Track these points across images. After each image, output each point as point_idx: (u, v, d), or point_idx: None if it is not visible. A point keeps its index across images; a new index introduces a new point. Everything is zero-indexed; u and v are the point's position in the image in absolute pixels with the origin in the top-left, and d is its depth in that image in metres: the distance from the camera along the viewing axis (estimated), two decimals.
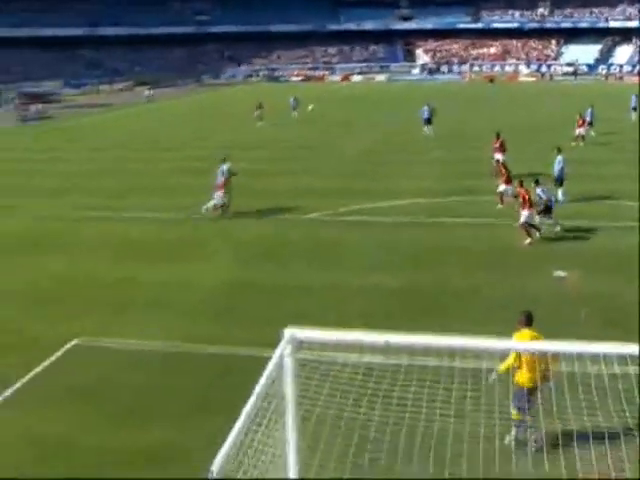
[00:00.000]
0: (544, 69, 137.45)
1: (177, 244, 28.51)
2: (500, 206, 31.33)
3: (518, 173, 31.78)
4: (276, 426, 9.03)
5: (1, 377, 17.09)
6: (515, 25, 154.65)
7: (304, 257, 26.41)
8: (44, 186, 41.12)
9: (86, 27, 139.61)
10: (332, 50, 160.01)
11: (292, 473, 9.34)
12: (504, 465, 11.55)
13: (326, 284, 23.21)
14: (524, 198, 27.00)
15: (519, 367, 13.05)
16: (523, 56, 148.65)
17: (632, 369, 10.57)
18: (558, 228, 28.12)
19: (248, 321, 20.32)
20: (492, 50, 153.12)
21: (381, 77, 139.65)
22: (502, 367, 13.21)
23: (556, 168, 32.93)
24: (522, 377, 13.04)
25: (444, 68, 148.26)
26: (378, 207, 33.22)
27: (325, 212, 32.73)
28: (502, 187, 31.56)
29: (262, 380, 8.66)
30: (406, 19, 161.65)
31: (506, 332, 12.93)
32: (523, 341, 12.99)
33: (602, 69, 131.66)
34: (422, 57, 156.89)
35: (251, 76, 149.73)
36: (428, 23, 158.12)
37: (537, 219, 27.64)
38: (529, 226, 27.04)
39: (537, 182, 28.28)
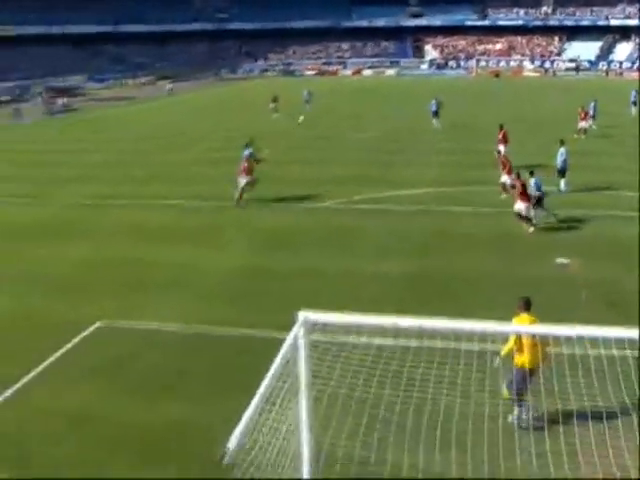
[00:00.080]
0: (547, 65, 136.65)
1: (195, 230, 28.54)
2: (504, 196, 31.22)
3: (521, 164, 31.69)
4: (290, 405, 9.05)
5: (30, 357, 17.19)
6: (520, 22, 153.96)
7: (318, 244, 26.38)
8: (70, 176, 41.26)
9: (110, 24, 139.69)
10: (345, 46, 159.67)
11: (305, 450, 9.36)
12: (507, 442, 11.55)
13: (339, 270, 23.17)
14: (520, 188, 27.00)
15: (520, 350, 13.03)
16: (527, 52, 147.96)
17: (630, 352, 10.56)
18: (552, 218, 27.96)
19: (263, 305, 20.33)
20: (498, 46, 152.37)
21: (391, 72, 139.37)
22: (504, 351, 13.21)
23: (559, 160, 32.91)
24: (523, 359, 13.02)
25: (452, 63, 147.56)
26: (389, 196, 33.15)
27: (339, 200, 32.68)
28: (504, 178, 31.44)
29: (277, 361, 8.67)
30: (416, 16, 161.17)
31: (510, 316, 12.95)
32: (523, 325, 12.99)
33: (603, 65, 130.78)
34: (431, 53, 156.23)
35: (267, 70, 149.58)
36: (437, 20, 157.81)
37: (532, 212, 27.46)
38: (520, 218, 26.99)
39: (532, 173, 28.18)
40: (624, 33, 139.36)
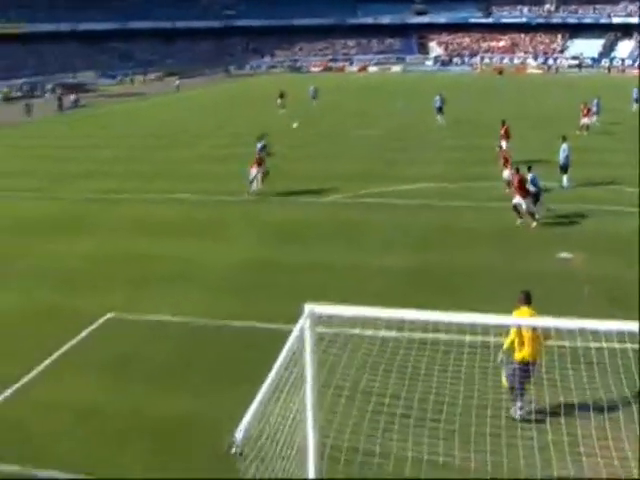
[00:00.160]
0: (550, 62, 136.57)
1: (203, 225, 28.56)
2: (508, 191, 31.19)
3: (524, 160, 31.66)
4: (295, 396, 9.06)
5: (41, 349, 17.22)
6: (523, 20, 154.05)
7: (325, 237, 26.38)
8: (79, 171, 41.32)
9: (119, 21, 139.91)
10: (351, 43, 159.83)
11: (311, 441, 9.37)
12: (510, 433, 11.56)
13: (346, 263, 23.18)
14: (517, 183, 27.01)
15: (521, 343, 13.02)
16: (531, 49, 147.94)
17: (630, 345, 10.57)
18: (544, 212, 27.86)
19: (270, 298, 20.32)
20: (501, 43, 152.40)
21: (397, 68, 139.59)
22: (505, 345, 13.21)
23: (561, 155, 32.87)
24: (524, 352, 13.01)
25: (456, 60, 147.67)
26: (395, 190, 33.14)
27: (346, 194, 32.73)
28: (506, 173, 31.41)
29: (283, 352, 8.68)
30: (420, 14, 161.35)
31: (513, 310, 12.95)
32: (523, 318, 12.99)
33: (605, 62, 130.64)
34: (435, 49, 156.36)
35: (274, 67, 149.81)
36: (441, 18, 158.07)
37: (532, 207, 27.36)
38: (518, 211, 26.98)
39: (529, 168, 28.16)
40: (626, 31, 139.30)
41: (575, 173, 32.95)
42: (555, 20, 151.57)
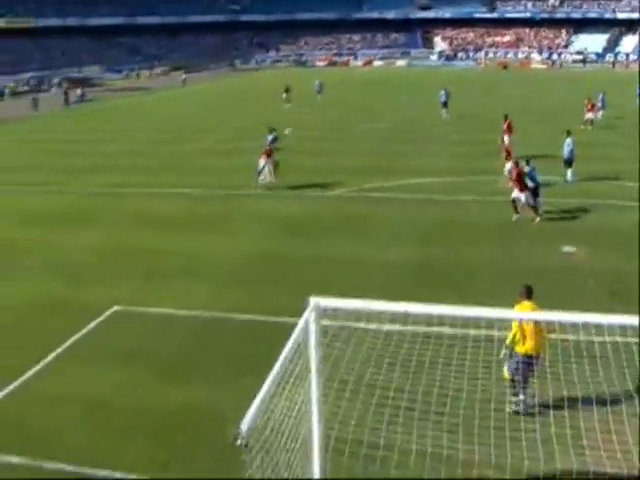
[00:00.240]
0: (555, 57, 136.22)
1: (209, 219, 28.57)
2: (510, 184, 31.15)
3: (528, 154, 31.58)
4: (300, 389, 9.07)
5: (47, 341, 17.25)
6: (528, 15, 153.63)
7: (330, 231, 26.35)
8: (85, 165, 41.36)
9: (126, 16, 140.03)
10: (356, 37, 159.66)
11: (315, 433, 9.39)
12: (513, 426, 11.56)
13: (351, 257, 23.18)
14: (515, 177, 26.99)
15: (523, 336, 13.01)
16: (535, 44, 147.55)
17: (632, 339, 10.56)
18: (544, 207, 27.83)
19: (275, 291, 20.32)
20: (506, 38, 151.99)
21: (402, 62, 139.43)
22: (508, 339, 13.20)
23: (565, 150, 32.87)
24: (527, 346, 13.00)
25: (461, 55, 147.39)
26: (400, 184, 33.12)
27: (350, 188, 32.72)
28: (508, 166, 31.36)
29: (288, 345, 8.69)
30: (425, 8, 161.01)
31: (515, 304, 12.94)
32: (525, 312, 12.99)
33: (609, 57, 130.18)
34: (440, 44, 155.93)
35: (279, 61, 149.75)
36: (446, 12, 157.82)
37: (531, 200, 27.29)
38: (515, 205, 26.94)
39: (528, 162, 28.16)
40: (630, 26, 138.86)
41: (579, 167, 32.91)
42: (559, 15, 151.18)
